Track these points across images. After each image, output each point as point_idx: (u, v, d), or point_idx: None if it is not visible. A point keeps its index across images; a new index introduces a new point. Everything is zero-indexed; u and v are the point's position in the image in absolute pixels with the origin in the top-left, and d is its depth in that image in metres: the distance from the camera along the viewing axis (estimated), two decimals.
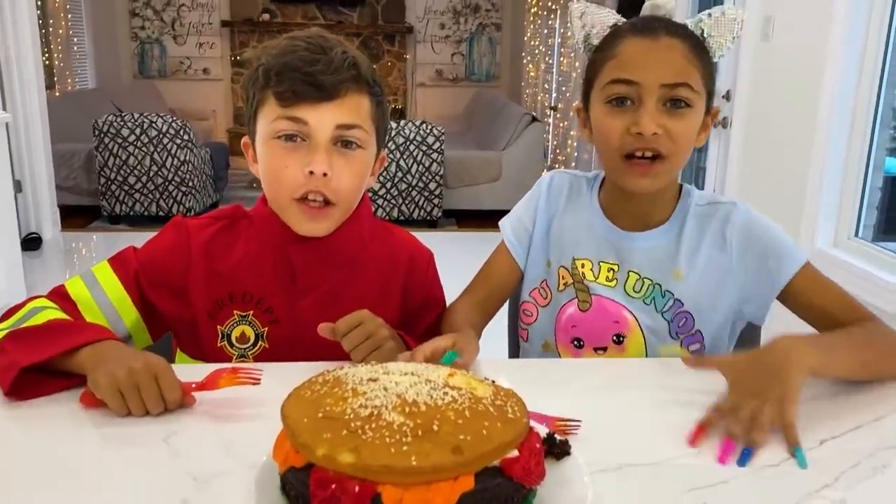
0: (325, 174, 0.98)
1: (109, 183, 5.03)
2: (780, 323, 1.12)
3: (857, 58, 2.59)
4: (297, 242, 1.05)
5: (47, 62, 6.02)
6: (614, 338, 1.13)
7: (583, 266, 1.14)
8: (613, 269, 1.13)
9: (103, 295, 1.02)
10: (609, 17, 1.07)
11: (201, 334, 1.05)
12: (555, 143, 6.30)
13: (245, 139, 1.09)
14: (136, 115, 4.97)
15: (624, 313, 1.12)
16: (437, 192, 5.24)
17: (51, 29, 6.21)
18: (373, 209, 1.15)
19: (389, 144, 5.08)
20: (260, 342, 1.06)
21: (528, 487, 0.61)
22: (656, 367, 1.05)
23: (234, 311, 1.06)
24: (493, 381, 0.68)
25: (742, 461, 0.75)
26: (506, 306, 1.29)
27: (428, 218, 5.30)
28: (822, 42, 2.65)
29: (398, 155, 5.12)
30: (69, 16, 6.60)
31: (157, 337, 1.08)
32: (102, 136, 4.93)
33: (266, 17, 7.47)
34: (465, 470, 0.57)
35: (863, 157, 2.66)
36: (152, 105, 6.68)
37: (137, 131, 4.95)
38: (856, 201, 2.71)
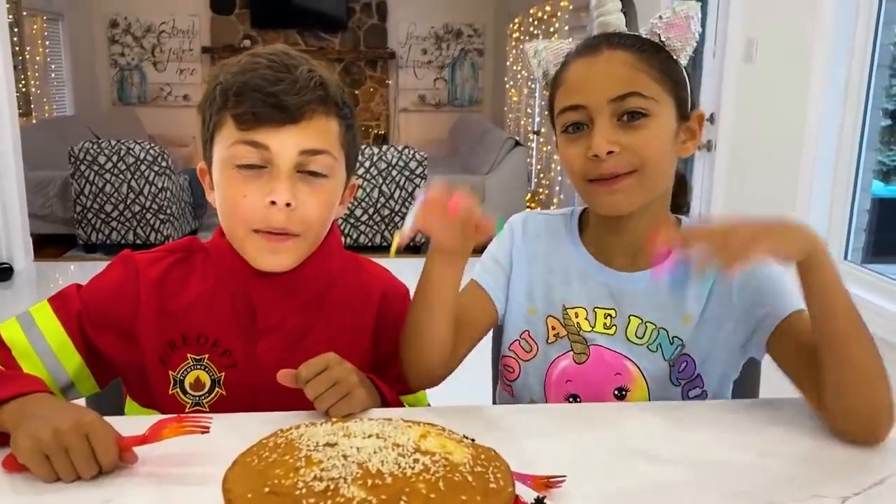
0: (288, 204, 0.89)
1: (85, 211, 4.92)
2: None
3: (842, 79, 2.55)
4: (258, 278, 0.95)
5: (24, 89, 5.93)
6: (616, 392, 1.02)
7: (577, 315, 1.03)
8: (611, 315, 1.02)
9: (42, 339, 0.92)
10: (562, 47, 1.02)
11: (151, 380, 0.96)
12: (538, 167, 6.26)
13: (201, 164, 0.99)
14: (112, 142, 4.87)
15: (626, 364, 1.01)
16: None
17: (27, 56, 6.12)
18: (342, 240, 1.06)
19: (371, 170, 5.01)
20: (216, 388, 0.96)
21: None
22: (655, 412, 0.95)
23: (188, 355, 0.96)
24: (473, 441, 0.59)
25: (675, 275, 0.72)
26: (489, 354, 1.21)
27: (412, 244, 5.19)
28: (807, 63, 2.61)
29: (381, 180, 5.05)
30: (47, 42, 6.53)
31: (104, 384, 0.98)
32: (78, 163, 4.83)
33: (247, 43, 7.43)
34: None
35: (850, 180, 2.62)
36: (131, 132, 6.59)
37: (114, 158, 4.85)
38: (844, 224, 2.66)
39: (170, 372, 0.96)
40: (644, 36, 0.97)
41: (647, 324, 1.00)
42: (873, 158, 2.64)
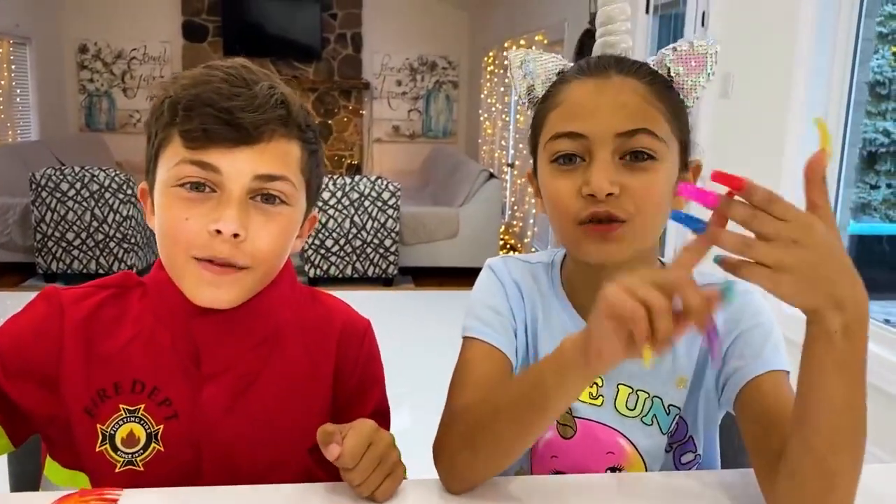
0: (235, 235, 0.78)
1: (46, 239, 4.76)
2: None
3: (820, 115, 2.55)
4: (202, 315, 0.84)
5: None
6: (608, 471, 0.91)
7: None
8: (597, 383, 0.90)
9: None
10: (553, 62, 0.89)
11: (77, 436, 0.84)
12: (512, 199, 6.24)
13: (142, 185, 0.88)
14: (76, 169, 4.73)
15: (619, 441, 0.90)
16: (392, 249, 5.09)
17: None
18: (296, 275, 0.95)
19: (343, 200, 4.93)
20: (153, 444, 0.84)
21: None
22: (659, 485, 0.86)
23: (120, 405, 0.84)
24: None
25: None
26: None
27: (383, 276, 5.12)
28: (784, 99, 2.61)
29: (352, 211, 4.97)
30: (13, 66, 6.39)
31: (19, 441, 0.85)
32: (40, 190, 4.68)
33: None
34: None
35: None
36: (99, 159, 6.45)
37: (78, 185, 4.71)
38: None
39: (98, 425, 0.83)
40: (653, 68, 0.86)
41: (639, 392, 0.90)
42: (851, 196, 2.64)
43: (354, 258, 5.05)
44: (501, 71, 6.33)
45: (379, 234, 5.03)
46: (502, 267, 0.97)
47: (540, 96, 0.89)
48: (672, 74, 0.86)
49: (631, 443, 0.90)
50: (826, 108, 2.53)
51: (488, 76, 6.74)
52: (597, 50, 0.91)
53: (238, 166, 0.79)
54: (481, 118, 7.01)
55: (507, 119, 6.32)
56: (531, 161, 0.92)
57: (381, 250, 5.07)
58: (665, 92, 0.84)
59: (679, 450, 0.92)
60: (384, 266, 5.10)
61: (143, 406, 0.84)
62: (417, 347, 3.76)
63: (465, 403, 0.85)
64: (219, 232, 0.78)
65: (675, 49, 0.86)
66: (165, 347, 0.85)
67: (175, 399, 0.85)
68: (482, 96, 6.95)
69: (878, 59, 5.22)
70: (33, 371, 0.83)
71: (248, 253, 0.80)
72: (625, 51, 0.89)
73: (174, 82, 0.82)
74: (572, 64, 0.90)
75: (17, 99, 6.48)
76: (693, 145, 0.89)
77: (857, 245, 2.92)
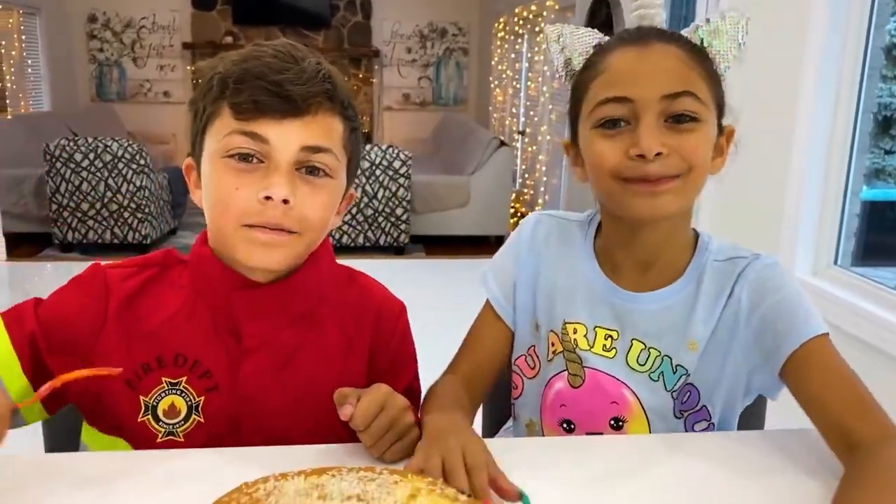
0: (285, 201, 0.80)
1: (61, 209, 4.81)
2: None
3: (832, 83, 2.52)
4: (242, 289, 0.86)
5: None
6: (612, 422, 0.94)
7: (575, 331, 0.95)
8: (612, 336, 0.94)
9: None
10: (590, 36, 0.92)
11: (119, 406, 0.86)
12: (523, 167, 6.22)
13: (188, 160, 0.90)
14: (90, 140, 4.76)
15: (624, 392, 0.93)
16: (404, 218, 5.11)
17: (3, 50, 5.99)
18: (334, 255, 0.97)
19: None
20: (193, 415, 0.86)
21: None
22: (661, 447, 0.88)
23: (163, 378, 0.86)
24: (471, 496, 0.53)
25: None
26: None
27: (395, 244, 5.15)
28: (797, 67, 2.58)
29: (364, 180, 4.98)
30: (23, 37, 6.39)
31: (53, 410, 0.87)
32: (54, 160, 4.72)
33: (229, 39, 7.33)
34: None
35: (840, 184, 2.59)
36: (110, 129, 6.47)
37: (91, 156, 4.75)
38: (834, 229, 2.63)
39: (141, 397, 0.86)
40: (687, 37, 0.89)
41: (651, 349, 0.93)
42: (864, 162, 2.62)
43: (366, 227, 5.08)
44: (512, 37, 6.27)
45: (390, 203, 5.05)
46: (529, 224, 1.03)
47: (578, 68, 0.92)
48: (705, 45, 0.89)
49: (636, 396, 0.93)
50: (840, 73, 2.51)
51: (499, 43, 6.68)
52: (632, 23, 0.93)
53: (286, 137, 0.81)
54: (492, 85, 6.96)
55: (518, 86, 6.28)
56: (567, 132, 0.95)
57: (393, 219, 5.09)
58: (702, 59, 0.87)
59: (691, 418, 0.94)
60: (395, 235, 5.12)
61: (184, 378, 0.87)
62: (429, 315, 3.79)
63: (447, 378, 0.96)
64: (268, 199, 0.80)
65: (708, 21, 0.89)
66: (206, 321, 0.88)
67: (215, 371, 0.87)
68: (493, 63, 6.89)
69: (894, 22, 5.12)
70: (72, 347, 0.86)
71: (296, 218, 0.82)
72: (658, 24, 0.91)
73: (222, 60, 0.85)
74: (607, 38, 0.92)
75: (29, 69, 6.49)
76: (728, 109, 0.92)
77: (870, 211, 2.90)
